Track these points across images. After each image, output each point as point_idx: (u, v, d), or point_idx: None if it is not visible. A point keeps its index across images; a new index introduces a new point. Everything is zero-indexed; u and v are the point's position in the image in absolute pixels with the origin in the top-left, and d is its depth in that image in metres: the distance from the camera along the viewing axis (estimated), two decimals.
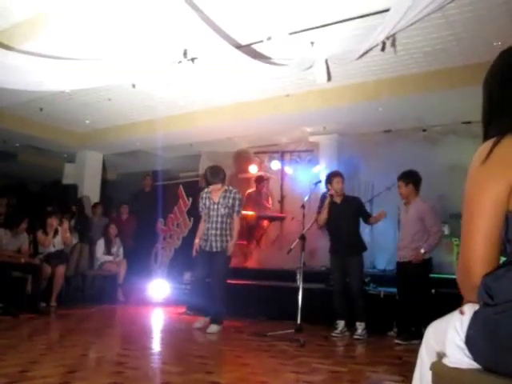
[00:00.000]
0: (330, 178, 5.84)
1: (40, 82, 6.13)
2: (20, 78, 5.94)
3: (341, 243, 5.67)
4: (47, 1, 5.03)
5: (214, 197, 5.71)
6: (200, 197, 5.86)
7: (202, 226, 5.84)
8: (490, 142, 1.24)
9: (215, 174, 5.75)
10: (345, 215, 5.68)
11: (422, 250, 5.17)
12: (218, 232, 5.65)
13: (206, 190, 5.86)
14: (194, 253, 5.77)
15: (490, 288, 1.16)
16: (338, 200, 5.77)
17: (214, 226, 5.66)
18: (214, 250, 5.65)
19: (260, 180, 9.55)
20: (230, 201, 5.68)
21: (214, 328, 5.50)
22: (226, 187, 5.78)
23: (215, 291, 5.67)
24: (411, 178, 5.39)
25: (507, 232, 1.22)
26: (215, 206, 5.67)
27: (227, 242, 5.68)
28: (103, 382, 3.15)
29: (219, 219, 5.65)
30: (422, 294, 5.14)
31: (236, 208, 5.71)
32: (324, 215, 5.75)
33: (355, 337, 5.35)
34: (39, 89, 6.52)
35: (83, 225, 9.20)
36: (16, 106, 8.10)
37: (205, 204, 5.74)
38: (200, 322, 5.72)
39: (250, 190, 9.60)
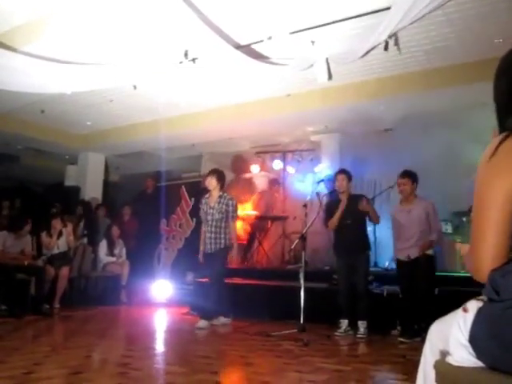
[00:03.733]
0: (334, 176, 5.91)
1: (41, 84, 6.15)
2: (21, 80, 5.96)
3: (346, 242, 5.65)
4: (48, 3, 5.04)
5: (211, 202, 6.00)
6: (200, 202, 6.20)
7: (202, 232, 6.15)
8: (497, 138, 1.25)
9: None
10: (350, 214, 5.64)
11: (432, 237, 5.27)
12: (213, 235, 5.92)
13: (207, 195, 6.14)
14: (200, 259, 6.10)
15: (496, 283, 1.15)
16: (343, 198, 5.75)
17: (209, 229, 5.96)
18: (209, 251, 5.94)
19: (274, 183, 9.60)
20: (224, 206, 5.93)
21: (203, 323, 5.71)
22: (221, 193, 6.03)
23: (209, 288, 5.90)
24: (415, 178, 5.44)
25: None
26: (211, 211, 5.96)
27: (221, 244, 5.94)
28: (107, 383, 3.16)
29: (214, 223, 5.93)
30: (430, 290, 5.17)
31: (230, 214, 5.97)
32: (335, 221, 5.70)
33: (358, 336, 5.35)
34: (40, 91, 6.54)
35: (91, 227, 9.19)
36: (17, 109, 8.11)
37: (203, 209, 6.07)
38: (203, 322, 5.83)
39: (262, 190, 9.66)
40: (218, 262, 5.93)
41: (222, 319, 6.00)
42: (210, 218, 5.93)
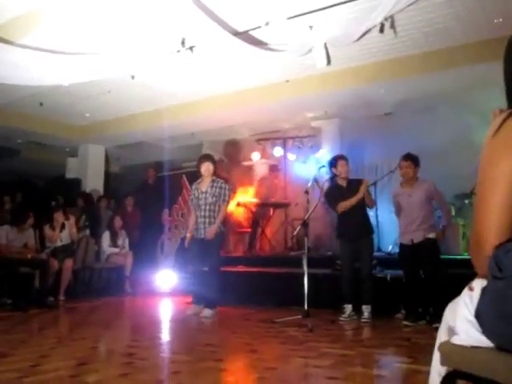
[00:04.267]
0: (334, 162, 5.80)
1: (39, 77, 6.12)
2: (19, 73, 5.93)
3: (349, 227, 5.64)
4: None
5: (202, 187, 5.97)
6: (190, 188, 6.12)
7: (192, 218, 6.09)
8: (502, 116, 1.24)
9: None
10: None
11: (444, 223, 5.42)
12: (207, 220, 5.87)
13: (197, 181, 6.11)
14: (186, 244, 6.03)
15: (500, 261, 1.15)
16: (343, 184, 5.74)
17: (202, 214, 5.89)
18: (201, 236, 5.86)
19: (274, 169, 9.59)
20: (217, 190, 5.92)
21: (207, 312, 5.68)
22: (214, 178, 6.02)
23: (208, 277, 5.85)
24: (417, 161, 5.43)
25: None
26: (203, 195, 5.91)
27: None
28: (114, 373, 3.17)
29: (207, 207, 5.88)
30: (435, 274, 5.16)
31: (222, 197, 5.94)
32: (349, 205, 5.59)
33: (362, 320, 5.37)
34: (38, 83, 6.51)
35: (93, 219, 9.20)
36: (16, 102, 8.09)
37: (194, 194, 6.01)
38: (193, 308, 5.85)
39: (263, 176, 9.66)
40: (214, 248, 5.90)
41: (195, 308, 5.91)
42: (202, 202, 5.87)
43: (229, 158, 10.64)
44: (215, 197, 5.88)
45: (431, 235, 5.27)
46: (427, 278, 5.17)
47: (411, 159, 5.41)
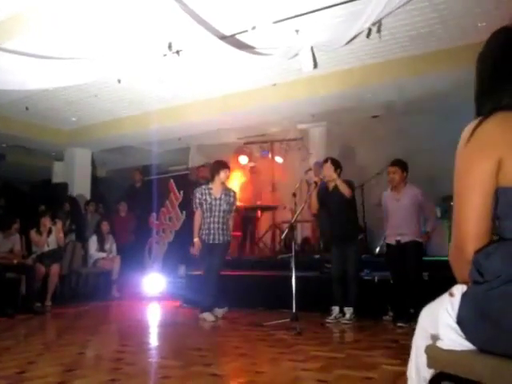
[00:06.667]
0: (321, 165, 5.87)
1: (23, 81, 6.07)
2: (3, 78, 5.88)
3: (335, 231, 5.67)
4: None
5: (216, 193, 5.94)
6: (197, 192, 6.00)
7: (198, 222, 5.99)
8: (473, 123, 1.27)
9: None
10: (335, 202, 5.62)
11: (429, 229, 5.47)
12: (221, 226, 5.91)
13: (204, 186, 6.07)
14: (195, 251, 5.95)
15: (480, 265, 1.18)
16: (330, 186, 5.73)
17: (217, 220, 5.91)
18: (217, 242, 5.88)
19: (254, 171, 9.62)
20: (231, 199, 6.01)
21: (211, 316, 5.72)
22: (226, 186, 6.09)
23: (211, 281, 5.82)
24: (405, 166, 5.43)
25: (496, 208, 1.24)
26: (218, 201, 5.92)
27: (228, 236, 6.00)
28: (102, 379, 3.15)
29: (221, 214, 5.92)
30: (418, 275, 5.24)
31: (233, 207, 6.08)
32: (313, 202, 5.73)
33: (343, 321, 5.38)
34: (23, 88, 6.46)
35: (79, 224, 9.14)
36: (1, 106, 8.01)
37: (206, 199, 5.93)
38: (208, 315, 5.76)
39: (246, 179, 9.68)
40: (224, 254, 6.01)
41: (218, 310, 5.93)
42: (216, 208, 5.89)
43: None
44: (228, 205, 5.96)
45: (417, 238, 5.34)
46: (412, 279, 5.21)
47: (398, 164, 5.43)
